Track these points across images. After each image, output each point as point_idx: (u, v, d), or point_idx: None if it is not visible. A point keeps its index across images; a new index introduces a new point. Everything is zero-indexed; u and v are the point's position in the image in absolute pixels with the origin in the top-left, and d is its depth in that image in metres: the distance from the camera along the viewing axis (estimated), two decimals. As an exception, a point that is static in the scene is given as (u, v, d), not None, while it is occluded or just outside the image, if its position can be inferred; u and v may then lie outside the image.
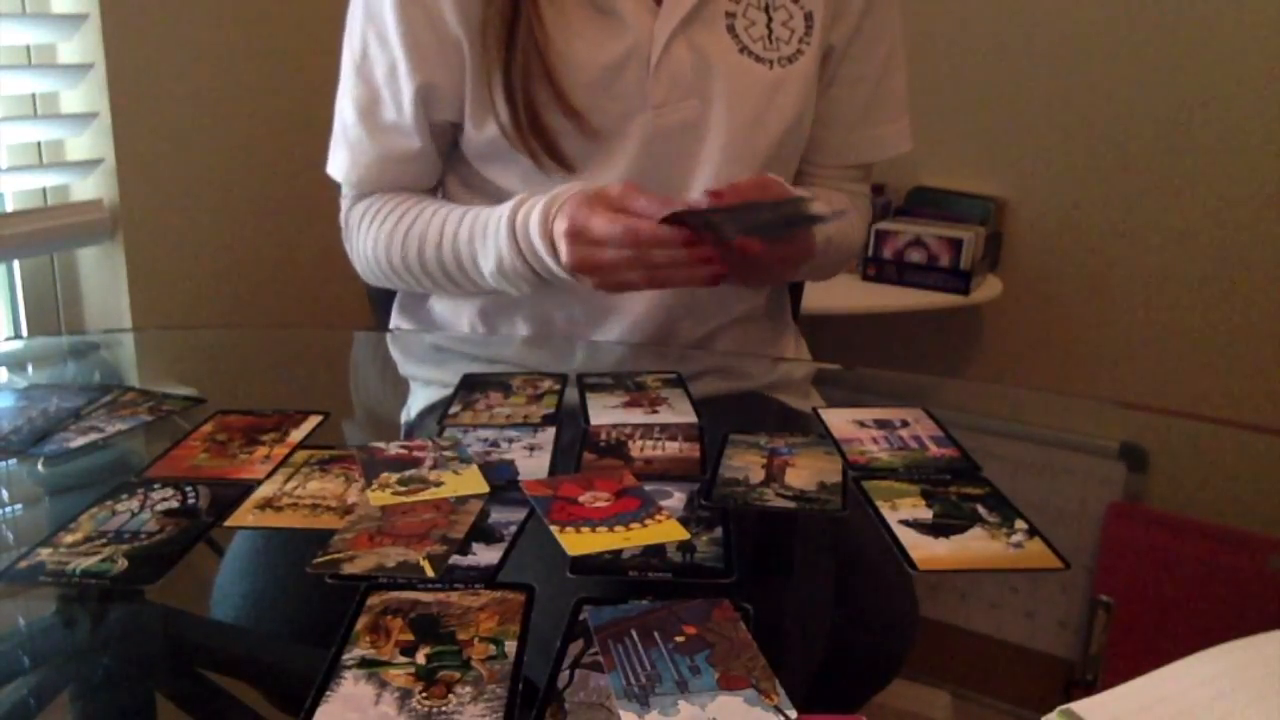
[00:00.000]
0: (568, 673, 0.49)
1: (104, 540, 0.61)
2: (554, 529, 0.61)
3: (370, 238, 0.98)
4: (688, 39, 0.91)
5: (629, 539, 0.60)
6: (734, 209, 0.80)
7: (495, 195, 0.97)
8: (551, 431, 0.78)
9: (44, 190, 1.55)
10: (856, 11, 0.96)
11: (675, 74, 0.91)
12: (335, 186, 1.03)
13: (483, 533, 0.62)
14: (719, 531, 0.62)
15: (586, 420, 0.81)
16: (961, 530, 0.63)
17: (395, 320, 1.11)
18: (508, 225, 0.88)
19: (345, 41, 0.96)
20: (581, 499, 0.65)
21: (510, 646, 0.50)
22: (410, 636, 0.51)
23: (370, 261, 0.99)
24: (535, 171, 0.92)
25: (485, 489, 0.67)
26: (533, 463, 0.73)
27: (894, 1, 0.99)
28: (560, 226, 0.82)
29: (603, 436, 0.77)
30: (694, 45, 0.91)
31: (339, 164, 0.98)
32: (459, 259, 0.92)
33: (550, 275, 0.87)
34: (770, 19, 0.93)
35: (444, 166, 1.02)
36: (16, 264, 1.55)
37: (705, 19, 0.91)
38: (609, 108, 0.91)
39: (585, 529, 0.61)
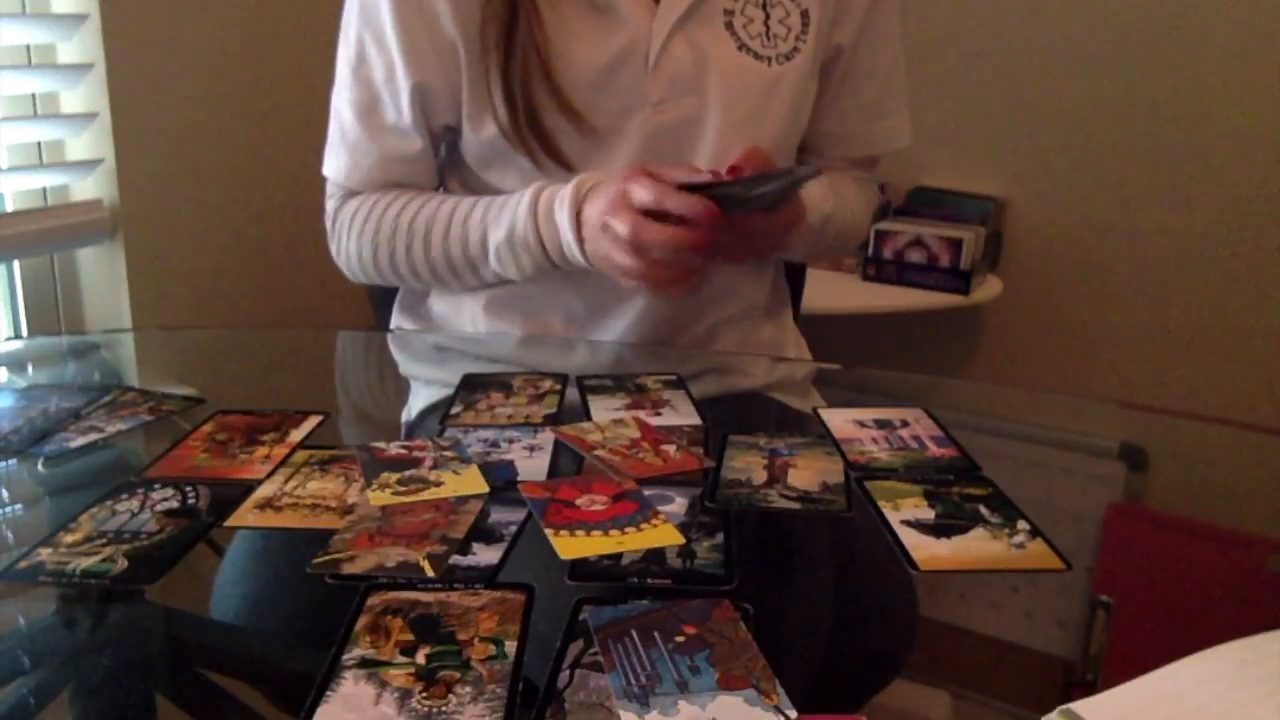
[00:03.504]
0: (568, 673, 0.49)
1: (104, 540, 0.61)
2: (548, 532, 0.61)
3: (368, 232, 0.96)
4: (686, 36, 0.91)
5: (623, 543, 0.60)
6: (741, 182, 0.81)
7: (493, 193, 0.97)
8: (551, 432, 0.78)
9: (44, 190, 1.55)
10: (861, 10, 0.97)
11: (674, 71, 0.91)
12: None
13: (483, 533, 0.62)
14: (720, 537, 0.62)
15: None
16: (963, 531, 0.63)
17: (396, 320, 1.11)
18: (530, 199, 0.89)
19: (341, 42, 0.96)
20: (578, 502, 0.65)
21: (510, 646, 0.50)
22: (410, 636, 0.51)
23: (360, 256, 0.98)
24: (535, 173, 0.92)
25: (485, 489, 0.67)
26: (532, 463, 0.73)
27: None
28: (606, 220, 0.82)
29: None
30: (692, 42, 0.91)
31: (338, 165, 0.98)
32: (466, 241, 0.92)
33: (560, 257, 0.88)
34: (768, 16, 0.93)
35: (444, 170, 1.02)
36: (16, 264, 1.55)
37: (704, 16, 0.92)
38: (607, 106, 0.91)
39: (580, 532, 0.61)
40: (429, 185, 1.00)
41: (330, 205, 1.01)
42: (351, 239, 0.98)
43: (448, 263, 0.94)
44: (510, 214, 0.90)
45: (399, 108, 0.93)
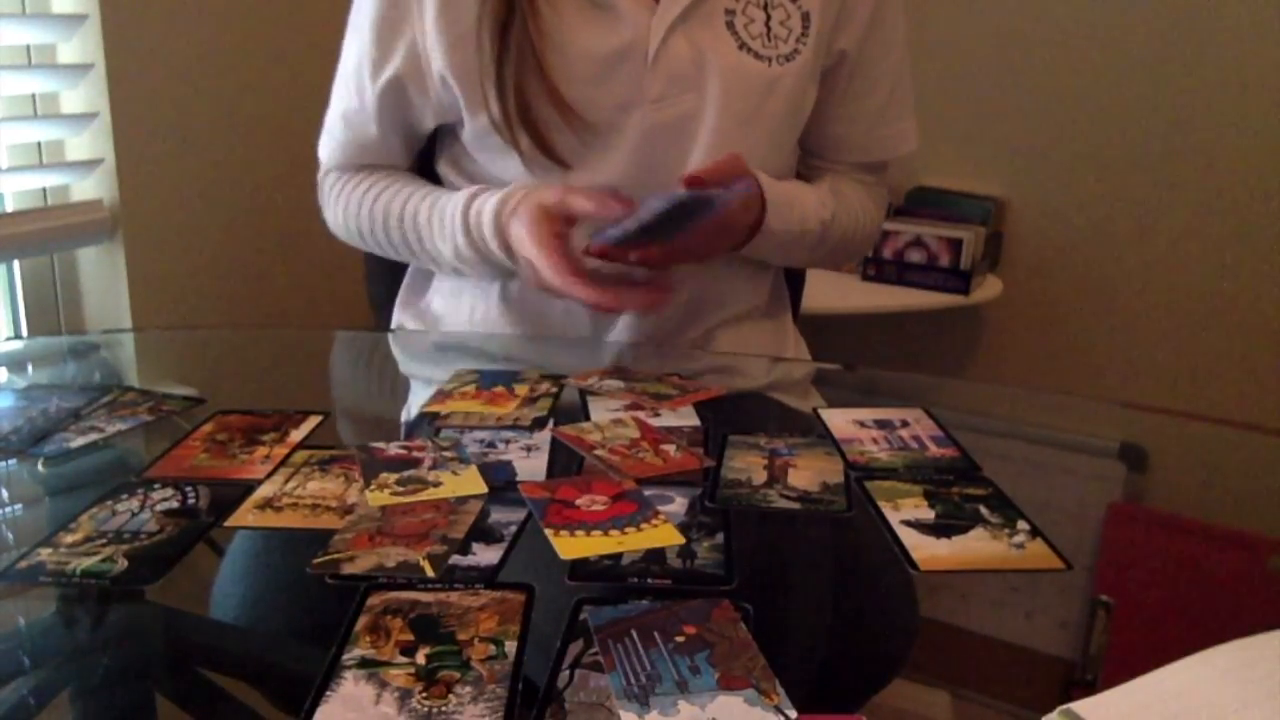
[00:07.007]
0: (568, 673, 0.49)
1: (104, 540, 0.61)
2: (548, 532, 0.61)
3: (340, 205, 1.03)
4: (686, 34, 0.91)
5: (623, 543, 0.60)
6: (633, 228, 0.83)
7: (491, 182, 0.98)
8: (548, 432, 0.78)
9: (44, 190, 1.55)
10: (865, 15, 0.97)
11: (674, 68, 0.91)
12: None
13: (482, 533, 0.62)
14: (720, 538, 0.62)
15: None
16: (963, 531, 0.63)
17: (396, 318, 1.11)
18: (461, 222, 0.93)
19: None
20: (578, 502, 0.65)
21: (510, 646, 0.50)
22: (410, 636, 0.51)
23: (341, 226, 1.05)
24: (531, 161, 0.93)
25: (484, 489, 0.67)
26: (530, 463, 0.73)
27: (899, 2, 1.00)
28: (521, 252, 0.88)
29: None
30: (692, 40, 0.91)
31: (321, 143, 1.06)
32: (420, 238, 0.98)
33: (506, 271, 0.94)
34: (769, 17, 0.94)
35: (438, 152, 1.04)
36: (16, 264, 1.55)
37: (704, 15, 0.92)
38: (604, 102, 0.91)
39: (580, 532, 0.61)
40: (398, 167, 1.05)
41: (320, 169, 1.09)
42: (333, 210, 1.05)
43: (410, 253, 1.01)
44: (451, 235, 0.94)
45: (362, 97, 0.98)
